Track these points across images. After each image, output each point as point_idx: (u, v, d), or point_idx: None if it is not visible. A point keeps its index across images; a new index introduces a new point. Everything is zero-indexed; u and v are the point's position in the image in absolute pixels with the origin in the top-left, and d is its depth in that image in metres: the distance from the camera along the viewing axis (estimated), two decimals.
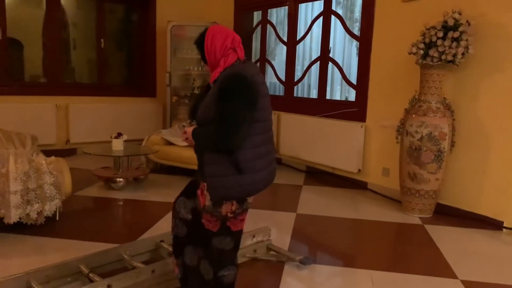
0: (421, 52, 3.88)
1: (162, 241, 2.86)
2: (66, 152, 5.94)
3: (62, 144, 6.13)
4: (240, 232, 2.13)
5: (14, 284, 2.26)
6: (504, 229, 3.77)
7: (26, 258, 2.91)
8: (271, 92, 6.81)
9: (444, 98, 4.00)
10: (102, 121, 6.31)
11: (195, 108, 2.07)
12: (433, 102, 3.94)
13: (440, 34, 3.76)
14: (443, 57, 3.77)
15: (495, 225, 3.82)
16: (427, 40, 3.86)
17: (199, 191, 2.07)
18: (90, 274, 2.40)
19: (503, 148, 3.77)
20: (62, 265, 2.46)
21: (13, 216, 3.09)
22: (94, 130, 6.24)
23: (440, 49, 3.77)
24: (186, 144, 2.12)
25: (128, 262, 2.61)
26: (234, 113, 1.84)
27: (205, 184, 1.99)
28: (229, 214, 2.02)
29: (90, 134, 6.21)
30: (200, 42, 2.03)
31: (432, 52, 3.81)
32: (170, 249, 2.75)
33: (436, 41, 3.79)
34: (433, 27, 3.84)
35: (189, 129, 2.02)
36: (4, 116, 5.46)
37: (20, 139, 4.15)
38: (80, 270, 2.46)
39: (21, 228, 3.25)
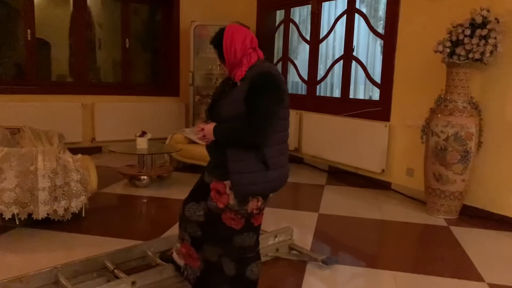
0: (448, 50, 3.80)
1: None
2: (91, 150, 6.05)
3: (87, 142, 6.26)
4: (260, 226, 2.17)
5: (43, 279, 2.32)
6: None
7: (53, 253, 2.98)
8: (293, 91, 6.79)
9: (471, 97, 3.92)
10: (126, 119, 6.42)
11: (215, 105, 2.07)
12: (459, 101, 3.86)
13: (468, 32, 3.68)
14: (471, 55, 3.69)
15: None
16: (453, 38, 3.79)
17: (213, 192, 2.06)
18: (115, 271, 2.44)
19: None
20: (88, 260, 2.51)
21: (41, 212, 3.16)
22: (118, 129, 6.35)
23: (468, 47, 3.68)
24: (201, 142, 2.11)
25: (152, 259, 2.65)
26: (266, 110, 1.89)
27: (225, 183, 1.99)
28: (254, 211, 2.03)
29: (115, 133, 6.32)
30: (217, 41, 2.03)
31: (459, 50, 3.73)
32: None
33: (463, 39, 3.71)
34: (460, 25, 3.76)
35: (208, 126, 2.00)
36: (32, 114, 5.61)
37: (48, 137, 4.26)
38: (105, 266, 2.51)
39: (48, 224, 3.33)
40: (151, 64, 7.40)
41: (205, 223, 2.17)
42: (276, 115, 1.93)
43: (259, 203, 2.05)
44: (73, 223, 3.42)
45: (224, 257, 2.13)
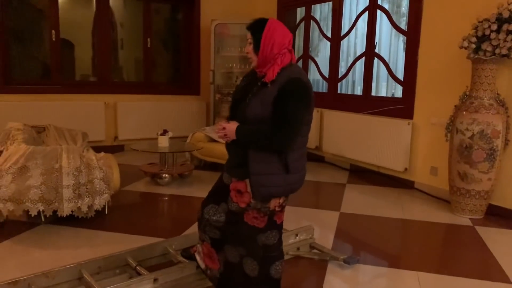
0: (473, 46, 3.71)
1: None
2: (114, 148, 6.15)
3: (110, 140, 6.36)
4: (282, 224, 2.16)
5: (67, 274, 2.36)
6: None
7: (78, 249, 3.03)
8: (314, 89, 6.71)
9: (498, 94, 3.81)
10: (148, 118, 6.49)
11: (239, 104, 2.02)
12: (485, 98, 3.77)
13: (494, 27, 3.59)
14: (497, 51, 3.59)
15: None
16: (479, 34, 3.69)
17: (233, 193, 2.04)
18: (138, 267, 2.47)
19: None
20: (112, 257, 2.55)
21: (66, 209, 3.22)
22: (140, 127, 6.43)
23: (494, 42, 3.59)
24: (221, 140, 2.09)
25: (173, 256, 2.67)
26: (295, 117, 1.88)
27: (246, 181, 1.98)
28: (276, 208, 2.03)
29: (137, 131, 6.40)
30: (257, 28, 1.95)
31: (485, 46, 3.63)
32: None
33: (489, 34, 3.62)
34: (487, 20, 3.66)
35: (231, 126, 1.97)
36: (56, 113, 5.73)
37: (72, 136, 4.35)
38: (128, 263, 2.54)
39: (73, 220, 3.40)
40: (172, 63, 7.46)
41: (226, 224, 2.14)
42: (303, 122, 1.93)
43: (281, 200, 2.05)
44: (96, 220, 3.48)
45: (247, 258, 2.11)
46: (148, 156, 5.30)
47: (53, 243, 3.12)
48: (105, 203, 3.49)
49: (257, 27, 1.95)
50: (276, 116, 1.86)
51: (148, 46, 6.79)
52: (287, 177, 1.96)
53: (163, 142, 4.86)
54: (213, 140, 5.36)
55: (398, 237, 3.64)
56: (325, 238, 3.33)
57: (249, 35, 1.99)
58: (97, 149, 3.93)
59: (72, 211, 3.28)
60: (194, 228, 3.41)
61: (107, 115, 6.30)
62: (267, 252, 2.08)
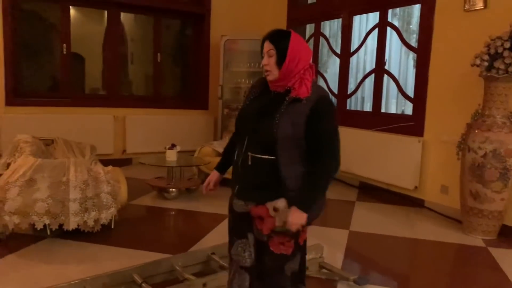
0: (486, 64, 3.67)
1: (213, 253, 2.85)
2: (122, 162, 6.13)
3: (119, 154, 6.35)
4: (305, 244, 1.96)
5: None
6: None
7: (82, 264, 2.99)
8: None
9: (511, 112, 3.75)
10: (156, 132, 6.48)
11: (257, 118, 1.81)
12: (498, 116, 3.71)
13: (507, 45, 3.55)
14: (510, 69, 3.55)
15: None
16: (492, 51, 3.65)
17: (257, 219, 1.85)
18: (143, 285, 2.42)
19: None
20: (117, 273, 2.50)
21: (72, 223, 3.19)
22: (148, 141, 6.41)
23: (507, 60, 3.54)
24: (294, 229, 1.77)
25: (179, 273, 2.62)
26: (336, 133, 1.80)
27: (266, 205, 1.79)
28: (300, 228, 1.82)
29: (145, 145, 6.39)
30: (281, 40, 1.79)
31: (497, 64, 3.59)
32: (221, 262, 2.75)
33: (502, 52, 3.58)
34: (499, 38, 3.63)
35: (294, 217, 1.72)
36: (65, 126, 5.73)
37: (80, 149, 4.34)
38: (133, 280, 2.49)
39: (78, 235, 3.36)
40: (181, 78, 7.50)
41: (256, 259, 1.90)
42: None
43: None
44: (102, 235, 3.43)
45: None
46: (155, 170, 5.27)
47: (58, 258, 3.08)
48: (112, 217, 3.46)
49: (281, 38, 1.79)
50: (320, 139, 1.75)
51: (158, 60, 6.83)
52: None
53: (171, 156, 4.84)
54: (220, 155, 5.32)
55: (408, 257, 3.56)
56: (334, 257, 3.26)
57: (270, 46, 1.80)
58: (105, 162, 3.91)
59: (78, 225, 3.25)
60: (200, 245, 3.37)
61: (115, 129, 6.30)
62: (296, 280, 1.90)
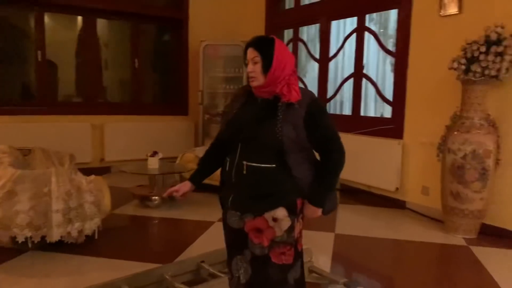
0: (463, 67, 3.77)
1: (203, 261, 2.82)
2: (100, 171, 5.98)
3: (97, 162, 6.22)
4: (302, 250, 1.99)
5: None
6: None
7: (67, 277, 2.92)
8: None
9: (488, 114, 3.86)
10: (136, 139, 6.39)
11: (255, 128, 1.80)
12: (476, 118, 3.81)
13: (483, 49, 3.66)
14: (487, 72, 3.66)
15: None
16: (468, 55, 3.76)
17: (252, 234, 1.82)
18: None
19: None
20: (106, 285, 2.45)
21: (55, 235, 3.11)
22: (128, 149, 6.32)
23: (483, 64, 3.65)
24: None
25: (170, 283, 2.58)
26: (334, 127, 1.86)
27: (265, 216, 1.78)
28: (297, 234, 1.87)
29: (124, 153, 6.29)
30: (266, 47, 1.80)
31: (474, 67, 3.70)
32: (211, 270, 2.73)
33: (478, 56, 3.69)
34: (475, 42, 3.74)
35: (311, 211, 1.87)
36: (41, 135, 5.60)
37: (59, 158, 4.23)
38: None
39: (61, 246, 3.27)
40: (160, 84, 7.42)
41: (254, 275, 1.86)
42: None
43: (301, 226, 1.92)
44: (86, 246, 3.36)
45: None
46: (135, 178, 5.19)
47: (41, 271, 2.99)
48: (96, 227, 3.39)
49: (265, 45, 1.80)
50: (323, 138, 1.82)
51: (136, 66, 6.74)
52: None
53: (153, 164, 4.77)
54: None
55: (393, 259, 3.62)
56: (322, 260, 3.28)
57: (254, 53, 1.80)
58: (83, 171, 3.82)
59: (61, 237, 3.17)
60: (188, 253, 3.33)
61: (93, 136, 6.18)
62: (298, 287, 1.90)
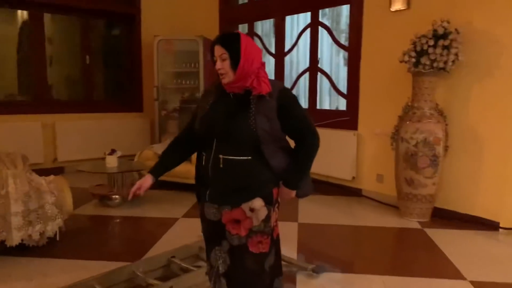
0: (413, 60, 3.98)
1: (173, 257, 2.83)
2: (53, 171, 5.74)
3: (49, 162, 5.99)
4: (279, 236, 2.02)
5: None
6: (500, 229, 3.87)
7: (31, 281, 2.82)
8: None
9: (437, 104, 4.11)
10: (89, 138, 6.22)
11: (226, 124, 1.82)
12: (426, 108, 4.05)
13: (431, 43, 3.88)
14: (435, 64, 3.88)
15: (491, 225, 3.92)
16: (418, 49, 3.97)
17: (229, 225, 1.85)
18: None
19: (495, 150, 3.89)
20: (76, 285, 2.40)
21: (15, 238, 3.00)
22: (81, 147, 6.13)
23: (432, 57, 3.88)
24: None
25: (142, 280, 2.57)
26: (306, 114, 1.92)
27: (242, 207, 1.82)
28: (274, 223, 1.93)
29: (78, 152, 6.10)
30: (232, 43, 1.81)
31: (424, 60, 3.91)
32: (183, 264, 2.74)
33: (427, 49, 3.90)
34: (424, 36, 3.95)
35: (286, 192, 1.96)
36: None
37: (11, 159, 4.01)
38: None
39: (23, 250, 3.15)
40: (113, 80, 7.22)
41: (233, 267, 1.89)
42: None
43: (277, 214, 1.97)
44: (48, 248, 3.27)
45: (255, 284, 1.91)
46: (92, 177, 5.05)
47: (2, 276, 2.87)
48: (58, 229, 3.29)
49: (231, 41, 1.81)
50: (296, 127, 1.89)
51: (87, 63, 6.53)
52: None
53: (112, 162, 4.67)
54: None
55: (353, 243, 3.78)
56: (289, 249, 3.36)
57: (222, 50, 1.81)
58: (36, 172, 3.66)
59: (22, 240, 3.06)
60: (155, 250, 3.31)
61: (44, 136, 5.93)
62: (273, 274, 1.95)
